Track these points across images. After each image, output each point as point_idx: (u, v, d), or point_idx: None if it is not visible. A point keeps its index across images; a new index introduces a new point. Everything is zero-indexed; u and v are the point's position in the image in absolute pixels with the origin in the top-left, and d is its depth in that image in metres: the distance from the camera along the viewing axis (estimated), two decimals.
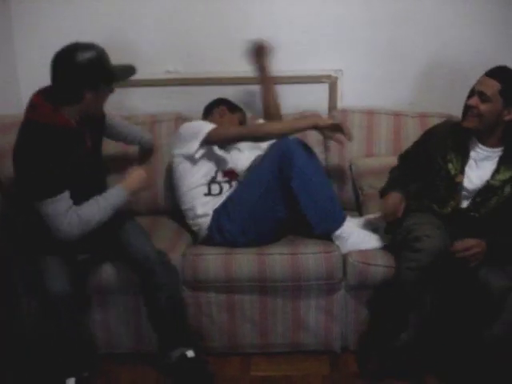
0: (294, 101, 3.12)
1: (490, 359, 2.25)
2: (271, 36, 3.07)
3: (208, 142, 2.61)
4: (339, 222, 2.59)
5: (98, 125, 2.42)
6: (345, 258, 2.53)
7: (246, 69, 3.02)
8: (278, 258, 2.49)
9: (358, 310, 2.55)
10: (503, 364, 2.28)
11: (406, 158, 2.62)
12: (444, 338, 2.40)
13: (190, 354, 2.40)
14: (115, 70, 2.23)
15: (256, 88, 3.04)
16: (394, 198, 2.45)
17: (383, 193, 2.55)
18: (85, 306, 2.46)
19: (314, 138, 3.00)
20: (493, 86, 2.22)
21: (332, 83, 3.16)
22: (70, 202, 2.15)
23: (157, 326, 2.45)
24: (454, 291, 2.33)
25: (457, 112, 2.44)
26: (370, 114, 3.06)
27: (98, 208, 2.20)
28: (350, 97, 3.18)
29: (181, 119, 3.00)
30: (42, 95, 2.18)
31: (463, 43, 3.11)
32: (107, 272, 2.47)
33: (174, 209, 2.89)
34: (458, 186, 2.37)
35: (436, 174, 2.42)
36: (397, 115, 3.04)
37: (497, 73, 2.25)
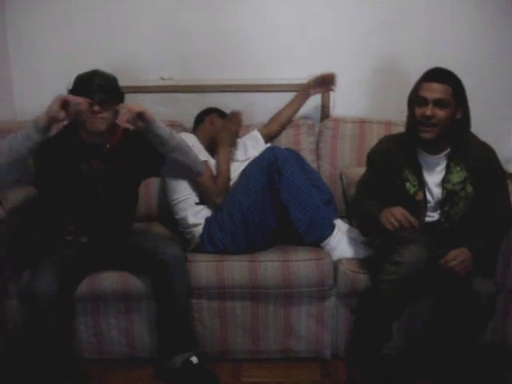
0: None
1: (479, 366, 2.28)
2: (265, 44, 3.13)
3: None
4: (328, 231, 2.63)
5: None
6: (336, 265, 2.56)
7: (240, 76, 3.06)
8: (270, 265, 2.51)
9: (349, 317, 2.57)
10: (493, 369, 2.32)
11: (368, 187, 2.49)
12: (434, 345, 2.43)
13: (195, 359, 2.42)
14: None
15: (250, 95, 3.08)
16: (397, 208, 2.30)
17: (375, 214, 2.35)
18: (71, 311, 2.48)
19: (306, 147, 3.03)
20: (446, 91, 2.21)
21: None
22: None
23: (164, 330, 2.46)
24: (442, 300, 2.36)
25: None
26: (362, 123, 3.09)
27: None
28: (342, 106, 3.20)
29: (174, 126, 3.01)
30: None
31: (454, 53, 3.13)
32: (100, 278, 2.47)
33: (166, 215, 2.90)
34: (421, 204, 2.36)
35: (398, 194, 2.37)
36: (388, 124, 3.06)
37: (443, 76, 2.23)
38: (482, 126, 2.94)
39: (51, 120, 2.15)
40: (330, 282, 2.53)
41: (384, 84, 3.17)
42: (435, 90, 2.22)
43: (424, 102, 2.24)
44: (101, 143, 2.38)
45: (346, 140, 3.06)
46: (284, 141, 3.05)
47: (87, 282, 2.46)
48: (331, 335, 2.60)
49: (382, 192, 2.40)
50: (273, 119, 3.05)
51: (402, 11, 3.12)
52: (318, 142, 3.11)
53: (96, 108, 2.25)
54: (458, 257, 2.20)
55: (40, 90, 3.12)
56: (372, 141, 3.01)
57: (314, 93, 3.07)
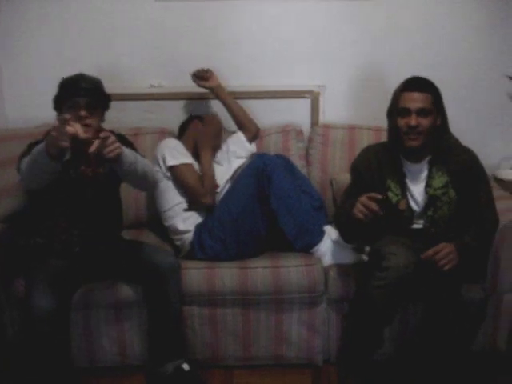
0: (276, 116, 3.16)
1: (471, 371, 2.29)
2: (255, 51, 3.14)
3: None
4: (318, 238, 2.64)
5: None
6: (326, 271, 2.56)
7: (230, 83, 3.06)
8: (261, 272, 2.51)
9: (340, 323, 2.57)
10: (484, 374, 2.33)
11: (351, 199, 2.38)
12: (425, 351, 2.43)
13: (186, 366, 2.40)
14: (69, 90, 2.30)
15: (241, 102, 3.07)
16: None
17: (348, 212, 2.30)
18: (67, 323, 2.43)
19: (294, 152, 3.05)
20: (427, 99, 2.25)
21: (314, 98, 3.19)
22: None
23: (157, 337, 2.45)
24: (432, 306, 2.36)
25: None
26: (352, 129, 3.10)
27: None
28: (332, 112, 3.21)
29: (164, 133, 3.03)
30: None
31: (445, 60, 3.18)
32: (90, 287, 2.47)
33: (156, 222, 2.90)
34: (405, 213, 2.37)
35: (381, 204, 2.30)
36: (378, 130, 3.04)
37: (424, 85, 2.26)
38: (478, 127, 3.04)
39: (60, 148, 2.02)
40: (320, 288, 2.53)
41: (374, 90, 3.18)
42: (417, 100, 2.24)
43: (407, 112, 2.26)
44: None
45: (336, 146, 3.07)
46: (272, 147, 3.06)
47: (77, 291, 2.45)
48: (322, 341, 2.60)
49: None
50: (238, 123, 3.03)
51: (393, 18, 3.14)
52: (308, 149, 3.12)
53: (83, 113, 2.23)
54: (444, 248, 2.19)
55: (31, 97, 3.13)
56: (362, 147, 3.02)
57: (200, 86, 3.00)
